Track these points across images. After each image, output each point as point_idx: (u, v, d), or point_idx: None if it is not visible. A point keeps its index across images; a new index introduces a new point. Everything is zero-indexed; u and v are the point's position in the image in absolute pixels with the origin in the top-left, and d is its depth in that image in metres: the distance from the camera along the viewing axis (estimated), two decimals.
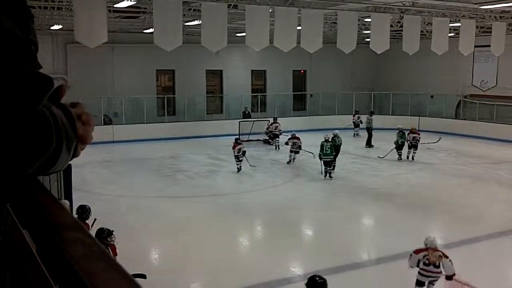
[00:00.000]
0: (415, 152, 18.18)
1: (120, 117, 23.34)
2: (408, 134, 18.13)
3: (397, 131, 18.23)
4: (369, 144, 21.26)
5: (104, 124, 22.64)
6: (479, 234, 10.46)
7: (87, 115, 0.90)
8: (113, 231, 6.87)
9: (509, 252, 9.89)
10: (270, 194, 13.82)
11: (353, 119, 24.40)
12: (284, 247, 7.95)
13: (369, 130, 21.70)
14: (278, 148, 20.74)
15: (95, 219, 7.94)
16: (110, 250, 6.71)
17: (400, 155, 18.03)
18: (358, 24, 16.74)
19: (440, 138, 18.61)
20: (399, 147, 17.97)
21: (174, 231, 10.43)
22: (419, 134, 18.41)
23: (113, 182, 15.00)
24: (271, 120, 22.27)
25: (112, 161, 18.41)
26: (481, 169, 17.41)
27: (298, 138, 17.62)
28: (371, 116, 22.47)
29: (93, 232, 6.94)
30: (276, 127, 21.34)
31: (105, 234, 6.76)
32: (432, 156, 19.67)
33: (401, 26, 17.76)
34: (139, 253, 9.20)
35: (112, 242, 6.85)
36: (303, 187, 14.70)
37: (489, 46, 18.56)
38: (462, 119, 24.38)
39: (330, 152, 15.27)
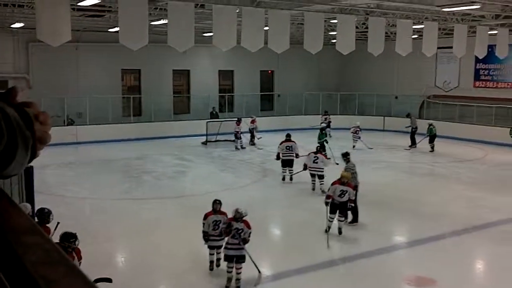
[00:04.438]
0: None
1: (84, 117, 22.91)
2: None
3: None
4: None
5: (68, 125, 22.21)
6: (442, 231, 10.69)
7: (44, 115, 0.89)
8: (75, 233, 6.72)
9: (471, 248, 10.12)
10: (238, 194, 13.77)
11: (321, 120, 24.63)
12: (252, 247, 7.94)
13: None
14: (240, 148, 20.71)
15: (58, 223, 7.74)
16: (75, 254, 6.58)
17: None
18: (325, 26, 16.89)
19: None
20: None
21: (141, 234, 10.29)
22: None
23: (77, 184, 14.71)
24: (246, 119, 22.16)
25: (76, 163, 18.06)
26: (443, 167, 17.82)
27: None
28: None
29: (57, 236, 6.79)
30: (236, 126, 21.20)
31: (73, 239, 6.61)
32: (395, 155, 20.06)
33: (366, 28, 18.00)
34: (105, 257, 9.04)
35: (76, 246, 6.71)
36: (271, 186, 14.73)
37: (451, 47, 18.96)
38: (425, 119, 24.80)
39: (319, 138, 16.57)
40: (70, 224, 7.91)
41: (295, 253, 9.39)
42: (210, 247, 8.57)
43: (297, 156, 14.98)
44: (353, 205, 10.40)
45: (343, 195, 10.19)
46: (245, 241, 7.93)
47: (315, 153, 13.86)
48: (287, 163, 14.93)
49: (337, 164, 16.30)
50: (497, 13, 17.51)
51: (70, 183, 14.95)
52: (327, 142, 17.88)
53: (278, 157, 15.05)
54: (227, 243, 8.08)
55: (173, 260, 9.00)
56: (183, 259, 9.05)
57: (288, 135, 15.61)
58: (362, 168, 16.99)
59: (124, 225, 10.92)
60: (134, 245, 9.93)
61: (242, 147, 20.78)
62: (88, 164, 17.79)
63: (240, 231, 7.91)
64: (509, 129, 21.10)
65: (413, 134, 21.57)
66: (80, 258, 6.66)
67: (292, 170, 14.85)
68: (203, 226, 8.57)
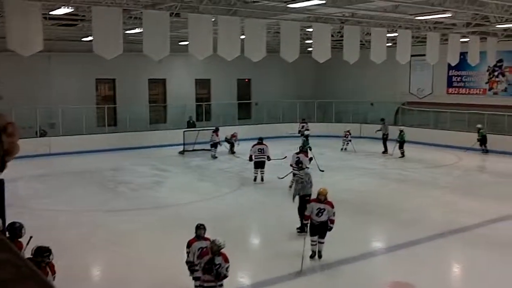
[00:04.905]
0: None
1: (57, 128, 22.51)
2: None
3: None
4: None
5: (40, 136, 21.80)
6: (420, 237, 10.74)
7: (12, 126, 0.88)
8: (49, 247, 6.54)
9: (448, 252, 10.20)
10: (216, 203, 13.69)
11: (299, 128, 24.72)
12: (231, 256, 7.85)
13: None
14: (213, 158, 20.62)
15: (31, 237, 7.49)
16: (49, 269, 6.40)
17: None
18: (301, 34, 16.96)
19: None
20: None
21: (117, 246, 10.09)
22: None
23: (51, 197, 14.39)
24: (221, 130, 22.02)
25: (49, 175, 17.68)
26: (420, 173, 18.01)
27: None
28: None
29: (29, 250, 6.59)
30: (212, 136, 21.04)
31: (47, 253, 6.43)
32: (373, 162, 20.21)
33: (342, 36, 18.15)
34: (81, 270, 8.85)
35: (50, 260, 6.53)
36: (249, 195, 14.67)
37: (424, 55, 19.28)
38: (399, 125, 25.02)
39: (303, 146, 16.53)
40: (43, 238, 7.69)
41: (274, 261, 9.32)
42: (196, 279, 7.33)
43: (268, 158, 15.95)
44: (332, 226, 9.27)
45: (320, 214, 9.18)
46: (224, 276, 6.93)
47: (297, 153, 14.44)
48: (259, 165, 15.90)
49: (322, 171, 16.45)
50: (468, 21, 17.85)
51: (44, 195, 14.63)
52: (310, 149, 17.97)
53: (250, 159, 16.06)
54: (202, 280, 7.05)
55: (150, 272, 8.84)
56: (161, 271, 8.89)
57: (260, 139, 16.48)
58: (340, 175, 17.16)
59: (100, 238, 10.71)
60: (110, 258, 9.73)
61: (215, 157, 20.65)
62: (62, 176, 17.45)
63: (218, 266, 6.85)
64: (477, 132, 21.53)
65: (385, 140, 21.83)
66: (54, 272, 6.48)
67: (263, 171, 15.90)
68: (187, 256, 7.49)
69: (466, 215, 12.24)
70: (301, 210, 10.71)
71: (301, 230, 10.60)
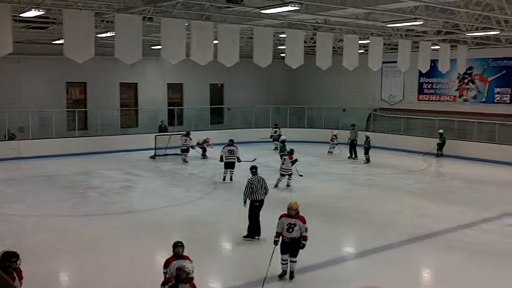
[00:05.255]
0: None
1: (26, 131, 22.08)
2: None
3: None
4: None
5: (8, 139, 21.36)
6: (391, 241, 10.87)
7: None
8: (17, 252, 6.39)
9: (418, 257, 10.33)
10: (188, 209, 13.59)
11: (271, 133, 24.81)
12: (203, 263, 7.79)
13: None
14: (184, 162, 20.50)
15: None
16: (16, 274, 6.25)
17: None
18: (274, 40, 17.04)
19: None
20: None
21: (86, 252, 9.91)
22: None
23: (19, 201, 14.07)
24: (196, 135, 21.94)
25: (18, 179, 17.31)
26: (391, 178, 18.24)
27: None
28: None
29: None
30: (186, 140, 20.97)
31: (14, 258, 6.28)
32: (344, 167, 20.40)
33: (315, 43, 18.31)
34: (48, 276, 8.66)
35: (18, 266, 6.38)
36: (221, 200, 14.60)
37: (395, 62, 19.57)
38: (371, 131, 25.33)
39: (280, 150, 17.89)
40: (11, 243, 7.54)
41: (245, 267, 9.29)
42: None
43: (238, 160, 16.80)
44: (305, 243, 8.46)
45: (291, 230, 8.37)
46: None
47: (281, 156, 16.43)
48: (229, 165, 16.71)
49: (301, 176, 16.57)
50: (439, 29, 18.22)
51: (12, 200, 14.30)
52: (292, 153, 18.18)
53: (221, 159, 16.92)
54: None
55: (120, 278, 8.71)
56: (130, 277, 8.77)
57: (231, 140, 17.48)
58: (311, 180, 17.24)
59: (69, 243, 10.51)
60: (79, 264, 9.55)
61: (186, 161, 20.53)
62: (31, 179, 17.10)
63: None
64: None
65: (353, 146, 22.12)
66: (21, 278, 6.33)
67: (232, 171, 16.67)
68: (164, 276, 6.58)
69: (436, 220, 12.43)
70: (250, 216, 10.72)
71: (249, 236, 10.64)
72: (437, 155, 22.55)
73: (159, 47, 15.90)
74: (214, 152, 20.82)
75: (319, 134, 26.60)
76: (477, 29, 17.08)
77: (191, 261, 6.41)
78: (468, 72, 24.17)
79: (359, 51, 18.49)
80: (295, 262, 8.60)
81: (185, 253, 6.92)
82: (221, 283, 8.91)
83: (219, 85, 30.20)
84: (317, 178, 17.84)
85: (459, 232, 11.75)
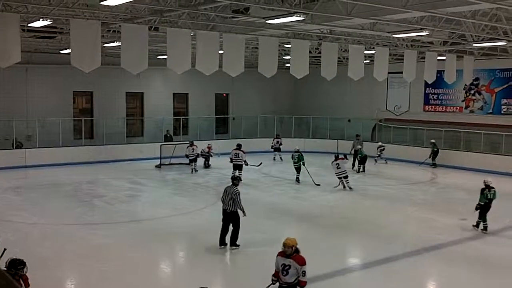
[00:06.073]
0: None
1: (33, 140, 22.22)
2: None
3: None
4: None
5: (16, 148, 21.49)
6: (396, 253, 10.82)
7: None
8: (23, 260, 6.43)
9: (424, 269, 10.27)
10: (191, 218, 13.61)
11: (272, 143, 24.77)
12: (207, 272, 7.80)
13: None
14: (194, 172, 20.52)
15: (4, 249, 7.37)
16: (23, 282, 6.29)
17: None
18: (279, 50, 17.12)
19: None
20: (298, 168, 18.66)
21: (92, 260, 9.94)
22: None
23: (26, 209, 14.13)
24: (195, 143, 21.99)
25: (25, 187, 17.41)
26: (396, 190, 18.18)
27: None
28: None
29: (3, 263, 6.47)
30: (193, 149, 21.00)
31: (21, 266, 6.32)
32: (350, 178, 20.31)
33: (320, 53, 18.36)
34: (54, 284, 8.68)
35: (24, 273, 6.42)
36: None
37: (401, 72, 19.57)
38: (377, 142, 25.32)
39: (298, 160, 18.37)
40: (18, 251, 7.57)
41: (251, 277, 9.28)
42: None
43: (245, 163, 18.13)
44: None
45: (285, 272, 6.66)
46: None
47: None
48: (237, 167, 18.12)
49: (319, 185, 17.17)
50: (445, 40, 18.23)
51: (18, 208, 14.36)
52: (303, 164, 18.26)
53: (231, 161, 18.43)
54: None
55: (124, 287, 8.72)
56: (135, 286, 8.78)
57: (239, 145, 18.81)
58: (316, 190, 17.22)
59: (75, 251, 10.53)
60: (84, 272, 9.57)
61: (195, 170, 20.57)
62: (38, 188, 17.18)
63: None
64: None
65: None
66: (27, 285, 6.38)
67: (241, 172, 17.63)
68: None
69: (443, 232, 12.37)
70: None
71: (221, 244, 10.66)
72: (432, 165, 22.64)
73: (165, 56, 15.99)
74: (217, 162, 20.88)
75: (323, 144, 26.61)
76: (483, 40, 17.08)
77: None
78: (475, 82, 24.13)
79: (365, 61, 18.51)
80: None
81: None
82: None
83: (224, 94, 30.32)
84: (321, 188, 17.81)
85: (464, 244, 11.69)
